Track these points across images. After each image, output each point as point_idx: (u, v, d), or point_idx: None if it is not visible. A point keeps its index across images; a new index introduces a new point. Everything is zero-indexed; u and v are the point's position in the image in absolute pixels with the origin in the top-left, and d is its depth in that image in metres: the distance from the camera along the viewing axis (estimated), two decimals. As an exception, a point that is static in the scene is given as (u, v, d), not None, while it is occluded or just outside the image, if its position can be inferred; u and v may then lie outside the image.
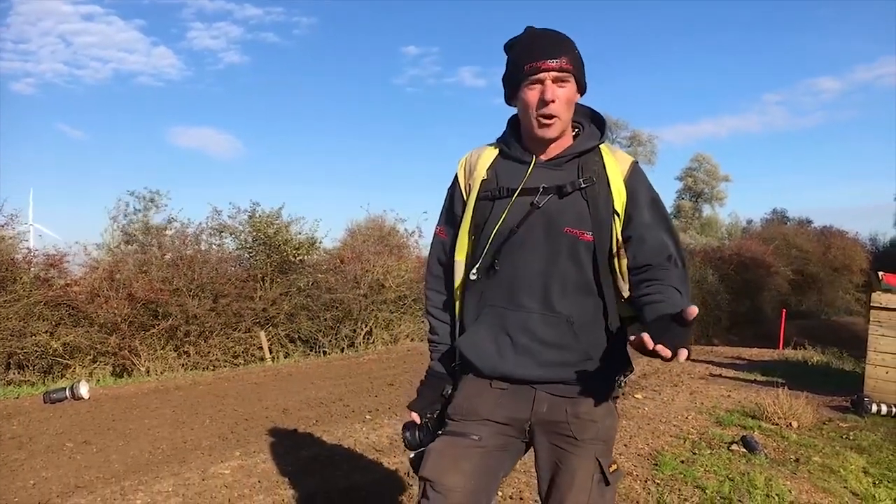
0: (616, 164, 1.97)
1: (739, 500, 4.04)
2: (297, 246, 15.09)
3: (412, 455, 2.10)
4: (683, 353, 1.56)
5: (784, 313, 16.61)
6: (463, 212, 2.06)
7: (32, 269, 11.65)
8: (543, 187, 1.93)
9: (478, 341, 1.99)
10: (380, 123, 72.14)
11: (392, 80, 70.65)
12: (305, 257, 15.32)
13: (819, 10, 66.14)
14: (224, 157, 69.50)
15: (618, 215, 1.93)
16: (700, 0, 70.17)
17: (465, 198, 2.07)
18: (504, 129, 2.12)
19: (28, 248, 12.55)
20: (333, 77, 73.50)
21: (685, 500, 4.08)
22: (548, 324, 1.93)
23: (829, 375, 10.01)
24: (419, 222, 18.26)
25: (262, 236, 14.66)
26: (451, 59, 69.55)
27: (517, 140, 2.04)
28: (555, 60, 1.87)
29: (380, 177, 65.27)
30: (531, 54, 1.89)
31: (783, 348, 14.72)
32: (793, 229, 34.36)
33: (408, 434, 2.12)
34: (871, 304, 7.60)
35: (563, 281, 1.93)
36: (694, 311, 1.58)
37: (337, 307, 14.33)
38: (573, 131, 2.04)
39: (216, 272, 13.36)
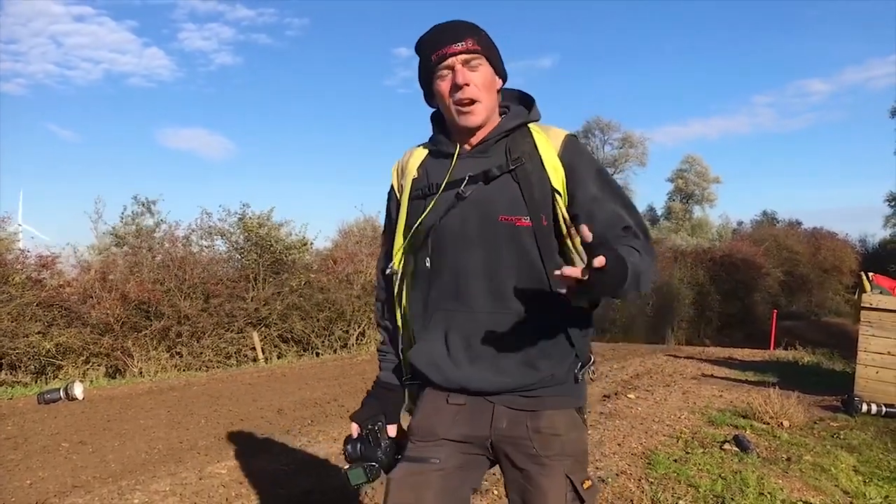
0: (547, 140, 1.85)
1: (732, 499, 4.09)
2: (288, 245, 15.13)
3: (346, 468, 1.99)
4: (598, 259, 1.36)
5: (775, 314, 16.72)
6: (397, 215, 1.98)
7: (24, 269, 11.62)
8: (469, 176, 1.83)
9: (429, 350, 1.89)
10: (372, 125, 72.25)
11: (384, 81, 70.66)
12: (297, 258, 15.33)
13: (808, 10, 66.48)
14: (215, 158, 69.49)
15: (559, 193, 1.80)
16: (690, 2, 70.43)
17: (398, 200, 1.98)
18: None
19: (20, 249, 12.54)
20: (325, 78, 73.65)
21: (679, 498, 4.12)
22: (499, 322, 1.81)
23: (820, 375, 10.08)
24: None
25: (254, 236, 14.67)
26: (443, 61, 69.50)
27: (444, 134, 1.95)
28: (460, 44, 1.79)
29: (371, 178, 65.42)
30: (436, 44, 1.83)
31: (774, 349, 14.81)
32: (783, 230, 34.65)
33: (349, 447, 2.00)
34: (862, 305, 7.67)
35: (507, 273, 1.81)
36: (602, 260, 1.36)
37: (330, 308, 14.34)
38: (500, 116, 1.92)
39: (207, 272, 13.39)
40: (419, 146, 2.02)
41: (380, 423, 2.00)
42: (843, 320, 26.68)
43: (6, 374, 10.32)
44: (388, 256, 2.02)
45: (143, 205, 15.43)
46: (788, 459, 5.05)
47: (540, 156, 1.82)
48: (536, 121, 1.92)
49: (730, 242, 33.10)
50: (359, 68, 75.24)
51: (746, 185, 67.79)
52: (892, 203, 36.87)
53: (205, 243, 14.81)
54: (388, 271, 1.98)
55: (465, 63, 1.80)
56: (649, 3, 70.20)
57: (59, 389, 8.09)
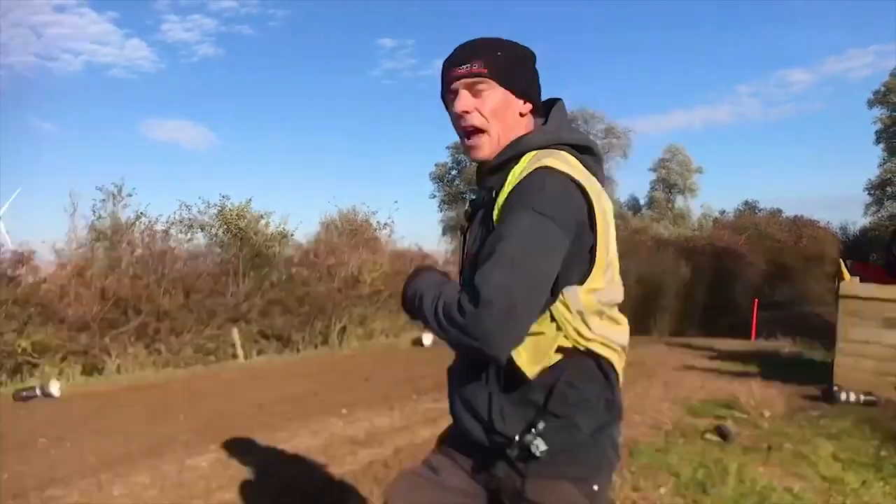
0: (519, 173, 1.55)
1: (713, 486, 4.09)
2: (268, 237, 15.01)
3: None
4: None
5: (756, 303, 16.75)
6: None
7: (-1, 266, 11.42)
8: (467, 212, 1.78)
9: None
10: (355, 116, 71.89)
11: (368, 72, 70.25)
12: (278, 250, 15.23)
13: (791, 1, 66.71)
14: (198, 149, 68.79)
15: None
16: (673, -7, 70.52)
17: None
18: None
19: (-4, 246, 12.32)
20: (309, 70, 72.93)
21: (660, 486, 4.12)
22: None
23: (801, 365, 10.12)
24: (391, 213, 18.28)
25: (234, 228, 14.55)
26: (427, 52, 69.16)
27: None
28: (464, 66, 1.60)
29: (356, 169, 65.13)
30: (446, 65, 1.66)
31: (756, 339, 14.87)
32: (765, 219, 34.72)
33: None
34: (840, 294, 7.65)
35: None
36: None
37: (311, 302, 14.24)
38: None
39: (187, 267, 13.27)
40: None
41: None
42: (825, 309, 26.81)
43: (-19, 373, 10.16)
44: None
45: (114, 195, 15.09)
46: (769, 448, 5.06)
47: (497, 197, 1.56)
48: (529, 150, 1.59)
49: (712, 231, 33.25)
50: (342, 59, 74.70)
51: (728, 175, 68.04)
52: (872, 191, 37.30)
53: (184, 237, 14.66)
54: None
55: (469, 87, 1.62)
56: (632, -6, 70.18)
57: (36, 387, 8.01)
